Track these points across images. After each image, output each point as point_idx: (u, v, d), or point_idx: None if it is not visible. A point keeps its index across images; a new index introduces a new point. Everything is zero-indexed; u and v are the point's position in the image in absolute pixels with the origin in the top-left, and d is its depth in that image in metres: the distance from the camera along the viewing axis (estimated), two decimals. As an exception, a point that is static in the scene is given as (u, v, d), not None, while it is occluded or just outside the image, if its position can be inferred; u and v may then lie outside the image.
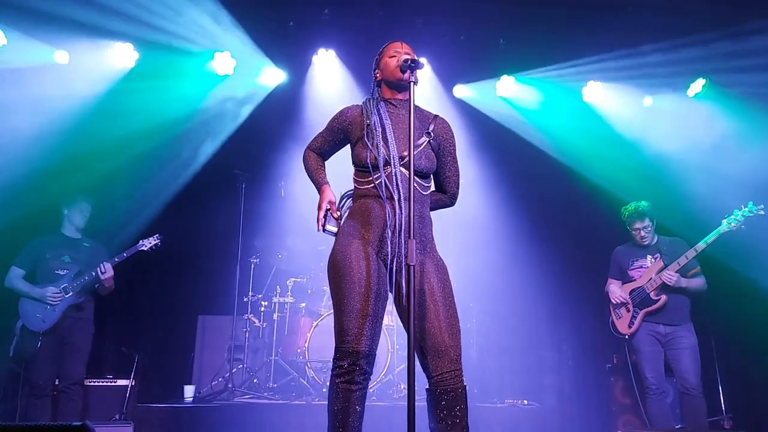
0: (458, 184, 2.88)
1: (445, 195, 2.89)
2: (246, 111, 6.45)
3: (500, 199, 6.51)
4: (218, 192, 6.29)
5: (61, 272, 4.58)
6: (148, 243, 4.81)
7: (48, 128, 5.37)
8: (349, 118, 2.76)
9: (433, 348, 2.46)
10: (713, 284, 4.54)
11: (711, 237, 4.30)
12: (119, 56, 5.79)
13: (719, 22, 5.40)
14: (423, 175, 2.67)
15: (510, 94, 6.64)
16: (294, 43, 6.25)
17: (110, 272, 4.59)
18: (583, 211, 6.32)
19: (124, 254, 4.71)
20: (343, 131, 2.77)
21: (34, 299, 4.48)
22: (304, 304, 5.87)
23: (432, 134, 2.75)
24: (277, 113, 6.43)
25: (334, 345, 2.50)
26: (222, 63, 6.10)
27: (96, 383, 4.98)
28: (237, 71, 6.21)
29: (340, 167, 3.03)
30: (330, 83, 6.47)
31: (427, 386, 2.50)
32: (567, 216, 6.48)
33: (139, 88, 5.74)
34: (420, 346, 2.49)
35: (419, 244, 2.56)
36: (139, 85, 5.77)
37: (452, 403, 2.44)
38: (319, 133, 2.88)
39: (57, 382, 4.55)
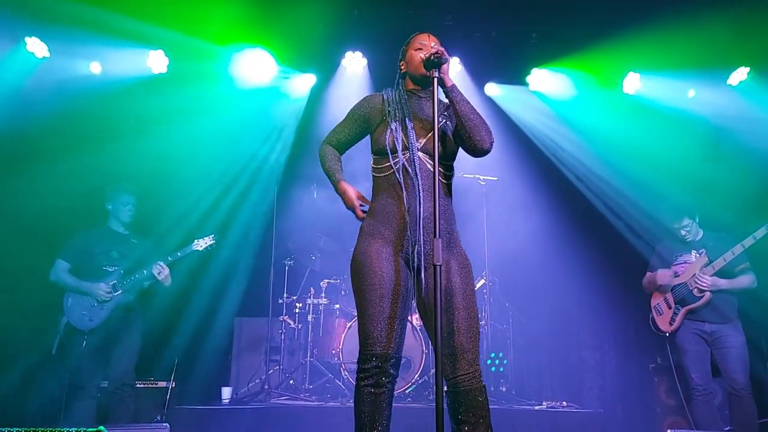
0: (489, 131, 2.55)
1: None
2: (277, 114, 6.47)
3: (538, 196, 6.40)
4: (251, 195, 6.33)
5: (109, 269, 4.33)
6: (203, 243, 4.62)
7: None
8: (371, 106, 2.73)
9: (450, 350, 2.42)
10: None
11: (759, 232, 4.10)
12: (152, 63, 5.85)
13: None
14: (445, 160, 2.59)
15: (544, 89, 6.50)
16: (323, 45, 6.24)
17: (166, 272, 4.41)
18: (624, 207, 6.14)
19: (178, 254, 4.52)
20: (365, 119, 2.73)
21: (83, 294, 4.23)
22: (338, 306, 5.88)
23: (447, 113, 2.68)
24: (308, 115, 6.45)
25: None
26: (252, 66, 6.13)
27: (138, 385, 4.95)
28: (267, 75, 6.24)
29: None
30: (358, 85, 6.45)
31: (446, 388, 2.44)
32: (608, 211, 6.32)
33: (169, 94, 5.80)
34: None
35: (444, 240, 2.49)
36: (170, 90, 5.83)
37: (473, 403, 2.39)
38: (338, 124, 2.84)
39: (105, 384, 4.33)
